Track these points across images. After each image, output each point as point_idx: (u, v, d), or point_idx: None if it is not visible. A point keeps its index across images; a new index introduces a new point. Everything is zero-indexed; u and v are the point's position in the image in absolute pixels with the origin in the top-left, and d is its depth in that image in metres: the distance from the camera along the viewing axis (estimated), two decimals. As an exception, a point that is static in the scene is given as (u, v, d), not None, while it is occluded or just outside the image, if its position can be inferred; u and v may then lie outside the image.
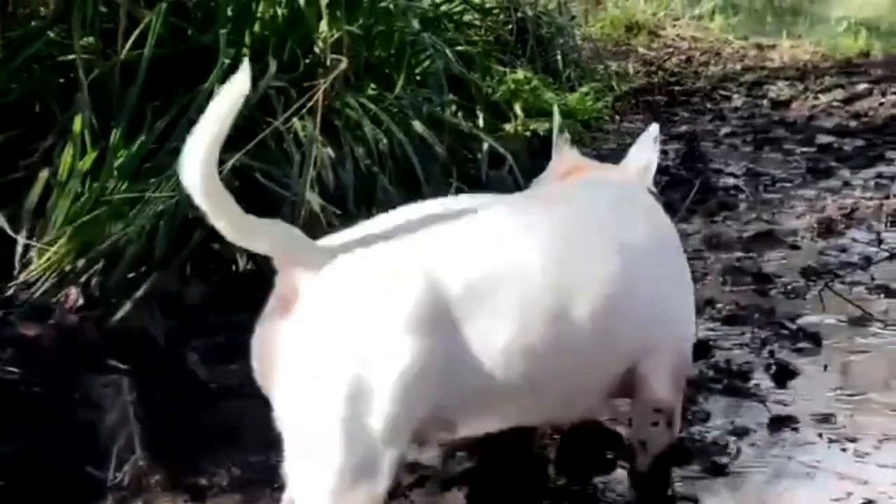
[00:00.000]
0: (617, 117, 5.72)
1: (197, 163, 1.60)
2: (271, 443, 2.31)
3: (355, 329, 1.65)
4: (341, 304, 1.67)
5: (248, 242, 1.75)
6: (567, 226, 1.88)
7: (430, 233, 1.74)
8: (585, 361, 1.87)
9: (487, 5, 5.66)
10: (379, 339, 1.64)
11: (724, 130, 5.80)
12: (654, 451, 2.10)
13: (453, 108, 3.95)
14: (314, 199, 3.14)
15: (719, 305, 3.21)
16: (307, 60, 3.40)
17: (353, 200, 3.25)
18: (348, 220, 3.19)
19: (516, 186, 3.79)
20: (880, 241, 3.87)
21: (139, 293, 2.83)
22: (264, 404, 2.42)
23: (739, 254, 3.72)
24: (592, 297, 1.82)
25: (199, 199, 1.61)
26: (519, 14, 5.83)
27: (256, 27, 3.42)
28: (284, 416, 1.71)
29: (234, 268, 3.15)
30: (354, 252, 1.71)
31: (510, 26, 5.73)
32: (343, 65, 3.15)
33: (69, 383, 2.47)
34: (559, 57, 5.88)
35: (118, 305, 2.83)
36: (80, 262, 2.90)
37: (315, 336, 1.66)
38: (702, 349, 2.83)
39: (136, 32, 3.08)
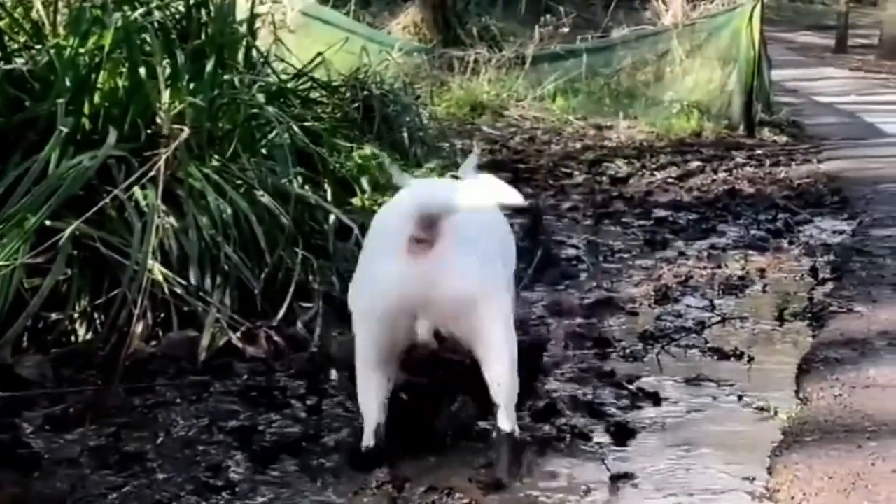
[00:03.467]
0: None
1: None
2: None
3: None
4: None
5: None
6: None
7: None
8: None
9: (334, 83, 5.72)
10: None
11: (566, 205, 5.97)
12: None
13: (300, 180, 3.96)
14: (156, 268, 3.11)
15: (562, 369, 3.28)
16: (149, 131, 3.37)
17: (198, 269, 3.23)
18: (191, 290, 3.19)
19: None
20: (713, 307, 4.02)
21: (-29, 365, 2.74)
22: (98, 475, 2.39)
23: (581, 320, 3.81)
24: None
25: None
26: (365, 92, 5.91)
27: (96, 97, 3.38)
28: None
29: (72, 338, 3.08)
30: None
31: (357, 104, 5.80)
32: (184, 134, 3.14)
33: None
34: (405, 134, 5.96)
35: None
36: None
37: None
38: (546, 411, 2.88)
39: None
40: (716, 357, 3.47)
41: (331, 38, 7.54)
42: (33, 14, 3.93)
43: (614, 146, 8.15)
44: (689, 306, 4.05)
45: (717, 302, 4.11)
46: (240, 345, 3.19)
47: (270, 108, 3.97)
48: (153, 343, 3.15)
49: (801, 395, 3.14)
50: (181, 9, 4.34)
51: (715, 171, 7.26)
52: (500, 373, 2.50)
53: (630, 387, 3.13)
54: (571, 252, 4.87)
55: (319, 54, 5.47)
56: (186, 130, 3.14)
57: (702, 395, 3.14)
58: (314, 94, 5.45)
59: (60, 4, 3.89)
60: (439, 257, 2.43)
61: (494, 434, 2.52)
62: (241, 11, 4.73)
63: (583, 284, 4.32)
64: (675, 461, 2.67)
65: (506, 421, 2.50)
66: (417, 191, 2.64)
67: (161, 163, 3.06)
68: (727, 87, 9.36)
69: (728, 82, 9.31)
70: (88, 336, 3.09)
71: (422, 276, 2.42)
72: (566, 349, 3.49)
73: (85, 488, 2.36)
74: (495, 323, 2.50)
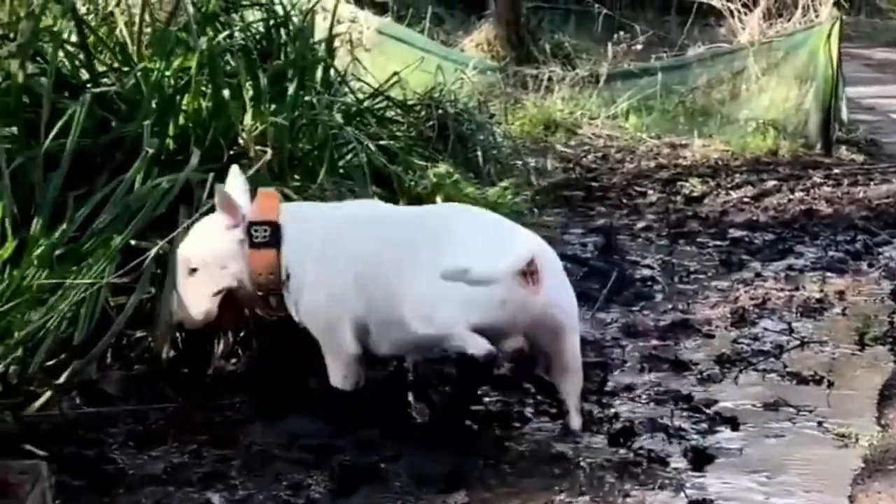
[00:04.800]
0: (536, 211, 5.82)
1: None
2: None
3: None
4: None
5: None
6: None
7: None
8: None
9: (409, 102, 5.76)
10: None
11: (640, 224, 5.95)
12: None
13: (376, 199, 3.99)
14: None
15: (638, 391, 3.27)
16: (231, 152, 3.43)
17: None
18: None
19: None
20: (791, 331, 3.98)
21: (58, 381, 2.80)
22: (182, 491, 2.43)
23: (656, 342, 3.80)
24: None
25: None
26: (440, 111, 5.95)
27: (181, 119, 3.45)
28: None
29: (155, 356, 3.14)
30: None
31: (431, 123, 5.84)
32: (268, 156, 3.18)
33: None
34: (479, 152, 5.99)
35: (37, 393, 2.81)
36: (-2, 350, 2.87)
37: None
38: (623, 434, 2.87)
39: (60, 123, 3.09)
40: (795, 381, 3.43)
41: (406, 57, 7.59)
42: (116, 33, 4.04)
43: (689, 165, 8.08)
44: (766, 329, 4.00)
45: (795, 325, 4.06)
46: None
47: (349, 129, 4.01)
48: (233, 361, 3.20)
49: (882, 422, 3.10)
50: (260, 29, 4.43)
51: (791, 191, 7.16)
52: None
53: (708, 411, 3.11)
54: (646, 272, 4.85)
55: (395, 74, 5.52)
56: (270, 152, 3.19)
57: (781, 420, 3.11)
58: (389, 113, 5.49)
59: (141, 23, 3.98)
60: (548, 289, 2.72)
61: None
62: (318, 31, 4.80)
63: (658, 306, 4.30)
64: (754, 488, 2.65)
65: (576, 420, 2.88)
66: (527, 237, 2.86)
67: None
68: (803, 105, 9.22)
69: (805, 101, 9.18)
70: (171, 353, 3.14)
71: (534, 305, 2.71)
72: (641, 372, 3.48)
73: (169, 504, 2.41)
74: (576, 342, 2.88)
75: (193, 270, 2.94)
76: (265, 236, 2.90)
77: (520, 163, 6.61)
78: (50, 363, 2.88)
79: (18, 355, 2.87)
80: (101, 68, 3.71)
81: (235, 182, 3.01)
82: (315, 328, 2.93)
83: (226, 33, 3.79)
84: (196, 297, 2.95)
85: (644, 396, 3.23)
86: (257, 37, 4.34)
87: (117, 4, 4.90)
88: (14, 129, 3.18)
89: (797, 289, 4.57)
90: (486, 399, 3.12)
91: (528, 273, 2.68)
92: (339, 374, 2.92)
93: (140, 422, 2.83)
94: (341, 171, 4.11)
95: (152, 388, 2.99)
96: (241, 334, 3.23)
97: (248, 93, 3.51)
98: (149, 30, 3.97)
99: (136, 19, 3.98)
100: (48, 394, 2.79)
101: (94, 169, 3.26)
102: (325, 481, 2.57)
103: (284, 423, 2.88)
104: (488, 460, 2.70)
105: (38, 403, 2.79)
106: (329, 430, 2.85)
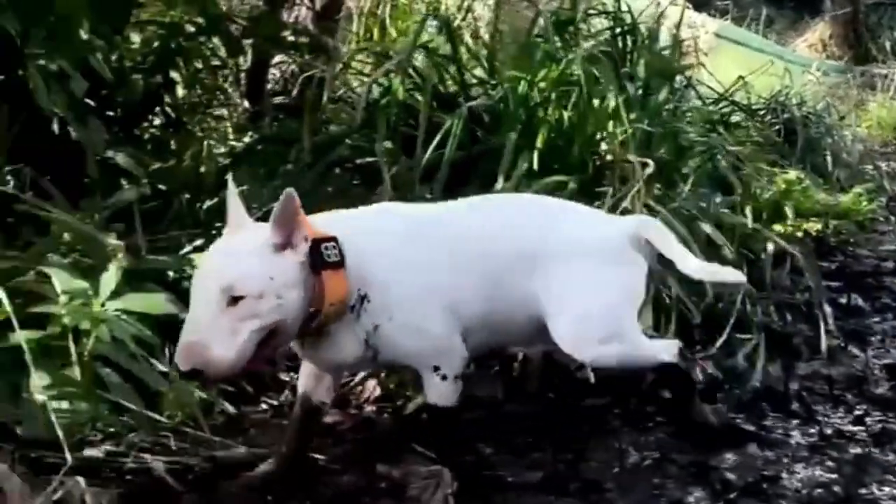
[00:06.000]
0: (892, 218, 5.50)
1: None
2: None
3: None
4: None
5: None
6: None
7: None
8: None
9: (755, 107, 5.62)
10: None
11: None
12: None
13: (735, 208, 3.89)
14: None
15: None
16: (596, 163, 3.43)
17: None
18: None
19: (794, 286, 3.71)
20: None
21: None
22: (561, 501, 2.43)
23: None
24: None
25: None
26: (786, 115, 5.76)
27: (544, 129, 3.48)
28: None
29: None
30: None
31: (777, 127, 5.68)
32: (650, 168, 3.14)
33: (375, 471, 2.53)
34: (828, 157, 5.75)
35: (411, 397, 2.91)
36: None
37: None
38: None
39: (438, 137, 3.19)
40: None
41: (743, 59, 7.42)
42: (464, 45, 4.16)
43: None
44: None
45: None
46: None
47: (709, 136, 3.94)
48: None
49: None
50: (607, 37, 4.43)
51: None
52: None
53: None
54: None
55: (741, 78, 5.40)
56: (651, 164, 3.16)
57: None
58: (734, 118, 5.37)
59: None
60: None
61: None
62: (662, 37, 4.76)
63: None
64: None
65: None
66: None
67: (632, 194, 3.10)
68: None
69: None
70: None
71: None
72: None
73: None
74: None
75: (236, 300, 2.20)
76: (337, 254, 2.32)
77: (871, 167, 6.29)
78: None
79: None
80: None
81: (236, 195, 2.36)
82: (421, 346, 2.46)
83: (589, 43, 3.80)
84: (235, 335, 2.19)
85: None
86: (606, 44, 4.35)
87: (463, 19, 5.07)
88: (389, 144, 3.32)
89: None
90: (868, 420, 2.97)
91: None
92: (450, 390, 2.49)
93: (516, 426, 2.86)
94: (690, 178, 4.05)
95: (523, 392, 3.03)
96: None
97: (612, 102, 3.49)
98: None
99: (482, 32, 4.09)
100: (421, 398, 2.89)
101: (464, 179, 3.35)
102: (704, 499, 2.51)
103: (653, 437, 2.85)
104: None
105: (412, 407, 2.89)
106: (699, 446, 2.79)
